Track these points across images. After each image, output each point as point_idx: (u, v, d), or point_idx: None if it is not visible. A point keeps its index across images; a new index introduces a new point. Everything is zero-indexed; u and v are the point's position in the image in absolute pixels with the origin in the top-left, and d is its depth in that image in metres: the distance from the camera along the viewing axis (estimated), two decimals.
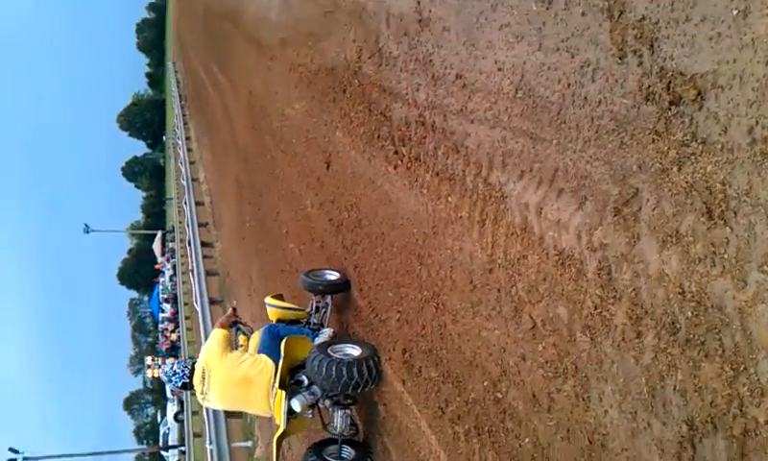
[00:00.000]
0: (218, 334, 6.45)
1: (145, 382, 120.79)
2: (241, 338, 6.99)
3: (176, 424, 34.86)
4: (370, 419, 6.62)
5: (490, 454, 4.49)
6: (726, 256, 2.70)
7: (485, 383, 4.57)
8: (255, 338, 6.74)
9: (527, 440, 4.09)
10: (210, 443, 13.25)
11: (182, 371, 6.42)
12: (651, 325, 3.09)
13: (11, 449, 33.89)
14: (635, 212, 3.19)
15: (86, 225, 63.34)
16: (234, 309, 7.03)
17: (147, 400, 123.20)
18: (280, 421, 5.98)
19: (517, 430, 4.19)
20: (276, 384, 6.00)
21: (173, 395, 37.82)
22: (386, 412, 6.19)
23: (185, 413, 23.92)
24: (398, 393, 5.91)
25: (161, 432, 40.93)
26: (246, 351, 6.65)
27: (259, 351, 6.38)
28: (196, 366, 6.37)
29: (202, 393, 6.26)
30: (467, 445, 4.79)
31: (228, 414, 14.06)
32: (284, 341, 6.17)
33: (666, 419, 3.02)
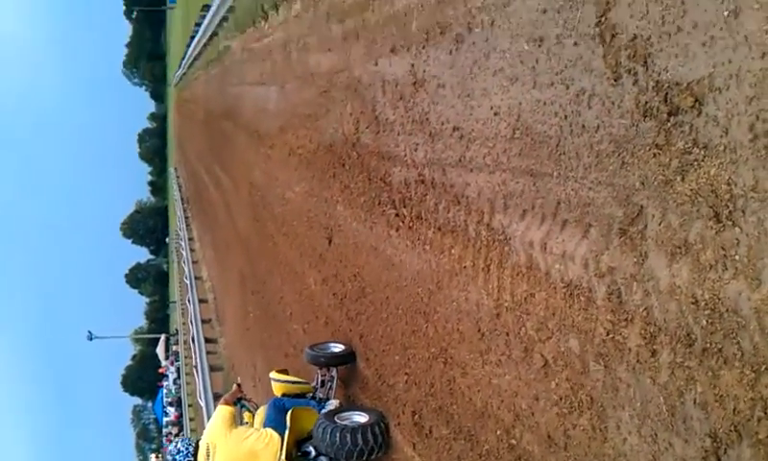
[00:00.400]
0: (222, 411, 6.32)
1: None
2: (246, 415, 6.86)
3: None
4: None
5: None
6: (737, 258, 2.65)
7: (498, 432, 4.42)
8: (261, 414, 6.63)
9: None
10: None
11: (186, 448, 6.23)
12: (665, 341, 3.00)
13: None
14: (641, 230, 3.16)
15: (90, 332, 63.06)
16: (239, 385, 6.90)
17: None
18: None
19: None
20: (283, 456, 5.84)
21: None
22: None
23: None
24: (409, 458, 5.72)
25: None
26: (251, 426, 6.50)
27: (265, 426, 6.26)
28: (200, 443, 6.19)
29: None
30: None
31: None
32: (290, 412, 6.06)
33: (688, 435, 2.90)
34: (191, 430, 27.87)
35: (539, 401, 4.00)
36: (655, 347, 3.07)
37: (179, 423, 39.96)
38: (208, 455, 6.02)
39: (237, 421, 6.49)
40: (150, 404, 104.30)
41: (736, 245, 2.66)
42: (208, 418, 17.21)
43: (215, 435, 6.10)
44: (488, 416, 4.56)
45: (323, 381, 7.19)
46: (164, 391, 49.09)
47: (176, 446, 6.35)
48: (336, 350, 7.32)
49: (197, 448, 6.19)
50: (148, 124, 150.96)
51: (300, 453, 6.12)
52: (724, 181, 2.70)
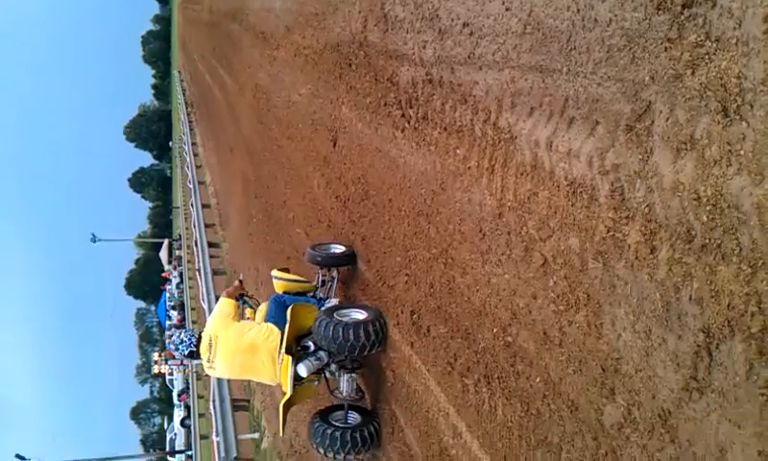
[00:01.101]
0: (224, 304, 6.43)
1: (152, 391, 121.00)
2: (248, 311, 6.97)
3: (182, 430, 34.73)
4: (377, 387, 6.55)
5: (500, 401, 4.41)
6: (742, 153, 2.63)
7: (494, 330, 4.49)
8: (262, 310, 6.74)
9: (538, 379, 4.00)
10: (217, 435, 13.15)
11: (189, 339, 6.38)
12: (665, 237, 3.01)
13: (17, 456, 33.87)
14: (647, 127, 3.12)
15: (93, 234, 63.48)
16: (241, 281, 6.98)
17: (154, 410, 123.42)
18: (287, 387, 5.94)
19: (528, 371, 4.11)
20: (283, 350, 5.96)
21: (179, 400, 37.76)
22: (394, 378, 6.12)
23: (192, 416, 23.82)
24: (407, 356, 5.84)
25: (168, 438, 40.82)
26: (253, 321, 6.62)
27: (266, 321, 6.36)
28: (203, 335, 6.33)
29: (208, 361, 6.23)
30: (476, 396, 4.71)
31: (235, 407, 13.99)
32: (290, 308, 6.15)
33: (682, 331, 2.94)
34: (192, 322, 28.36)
35: (536, 300, 4.04)
36: (654, 243, 3.08)
37: (181, 325, 40.72)
38: (211, 346, 6.16)
39: (239, 315, 6.59)
40: (153, 308, 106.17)
41: (742, 140, 2.63)
42: None
43: (217, 327, 6.23)
44: (485, 315, 4.62)
45: (323, 281, 7.29)
46: (167, 295, 49.77)
47: (179, 336, 6.49)
48: (337, 250, 7.40)
49: (199, 338, 6.33)
50: (152, 26, 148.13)
51: (299, 348, 6.24)
52: (734, 75, 2.65)
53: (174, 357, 32.31)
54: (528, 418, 4.11)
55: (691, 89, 2.85)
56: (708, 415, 2.84)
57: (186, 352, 6.42)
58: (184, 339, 6.43)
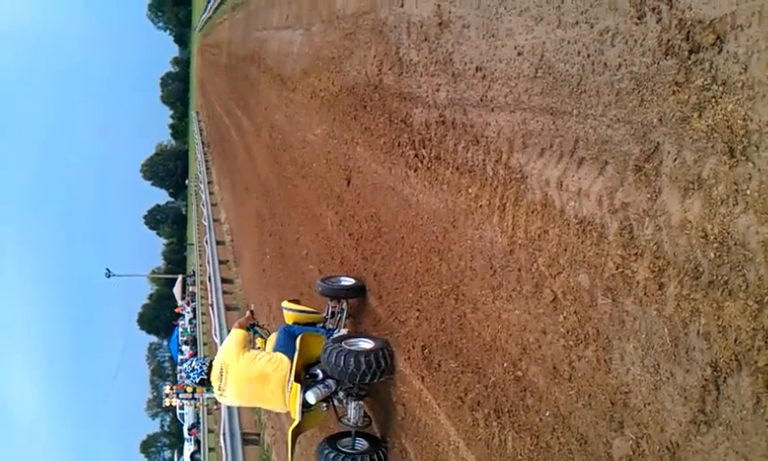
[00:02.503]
0: (236, 334, 6.57)
1: (162, 425, 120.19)
2: (258, 340, 7.09)
3: None
4: (388, 421, 6.59)
5: (509, 435, 4.45)
6: (748, 192, 2.71)
7: (505, 365, 4.54)
8: (272, 340, 6.86)
9: (548, 413, 4.05)
10: None
11: (200, 367, 6.53)
12: (673, 274, 3.08)
13: None
14: (656, 167, 3.22)
15: (108, 269, 63.82)
16: (252, 312, 7.14)
17: (164, 444, 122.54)
18: (296, 414, 6.05)
19: (538, 406, 4.15)
20: (292, 378, 6.07)
21: (189, 434, 37.59)
22: (405, 412, 6.16)
23: (202, 451, 23.74)
24: (418, 390, 5.88)
25: None
26: (263, 350, 6.74)
27: (275, 350, 6.49)
28: (214, 363, 6.49)
29: (219, 389, 6.37)
30: (486, 429, 4.75)
31: (245, 441, 13.96)
32: (300, 337, 6.30)
33: (690, 365, 3.00)
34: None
35: (546, 335, 4.10)
36: (662, 280, 3.15)
37: (182, 369, 40.61)
38: (221, 375, 6.30)
39: (249, 344, 6.72)
40: (165, 342, 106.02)
41: (748, 180, 2.72)
42: None
43: (228, 356, 6.37)
44: (495, 349, 4.68)
45: (333, 313, 7.44)
46: (179, 330, 49.81)
47: (190, 364, 6.65)
48: (346, 283, 7.55)
49: (210, 367, 6.47)
50: (171, 68, 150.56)
51: (308, 376, 6.40)
52: (740, 117, 2.75)
53: (185, 391, 32.31)
54: (538, 451, 4.15)
55: (698, 131, 2.95)
56: (715, 448, 2.88)
57: (197, 380, 6.55)
58: (195, 367, 6.58)
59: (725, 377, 2.82)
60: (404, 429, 6.18)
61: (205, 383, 6.54)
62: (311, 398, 6.08)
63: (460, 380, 5.15)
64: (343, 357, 5.86)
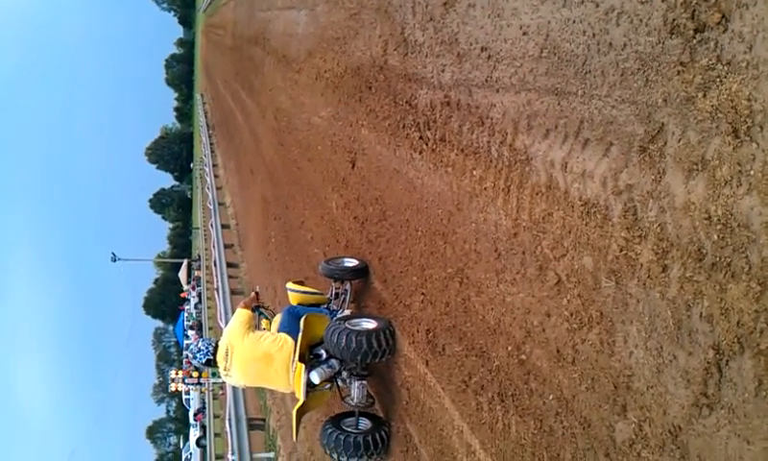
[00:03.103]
0: (241, 314, 6.62)
1: (168, 411, 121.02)
2: (263, 322, 7.13)
3: (198, 449, 34.75)
4: (392, 405, 6.60)
5: (513, 419, 4.45)
6: (752, 173, 2.69)
7: (509, 348, 4.54)
8: (276, 321, 6.90)
9: (551, 397, 4.04)
10: (233, 455, 13.20)
11: (207, 348, 6.64)
12: (677, 256, 3.07)
13: None
14: (660, 148, 3.19)
15: (114, 254, 64.03)
16: (257, 293, 7.15)
17: (170, 429, 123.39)
18: (300, 394, 6.10)
19: (541, 389, 4.15)
20: (296, 358, 6.11)
21: (195, 420, 37.83)
22: (409, 396, 6.17)
23: (208, 436, 23.87)
24: (422, 374, 5.89)
25: (183, 458, 40.91)
26: (268, 331, 6.79)
27: (279, 331, 6.54)
28: (220, 344, 6.57)
29: (225, 369, 6.47)
30: (490, 413, 4.75)
31: (251, 426, 14.03)
32: (304, 318, 6.34)
33: (692, 348, 2.99)
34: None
35: (550, 318, 4.09)
36: (666, 262, 3.14)
37: (188, 349, 40.67)
38: (227, 355, 6.38)
39: (254, 325, 6.77)
40: (171, 327, 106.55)
41: (752, 161, 2.69)
42: None
43: (233, 336, 6.45)
44: (500, 333, 4.68)
45: (336, 294, 7.47)
46: (185, 314, 50.02)
47: (196, 345, 6.74)
48: (349, 264, 7.59)
49: (216, 347, 6.54)
50: (175, 50, 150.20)
51: (312, 356, 6.46)
52: (745, 97, 2.72)
53: (191, 376, 32.60)
54: (541, 435, 4.15)
55: (703, 111, 2.92)
56: (717, 431, 2.87)
57: (204, 361, 6.64)
58: (201, 348, 6.69)
59: (727, 360, 2.81)
60: (408, 413, 6.19)
61: (212, 364, 6.65)
62: (315, 378, 6.15)
63: (464, 364, 5.15)
64: (345, 337, 5.92)
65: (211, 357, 6.62)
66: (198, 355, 6.68)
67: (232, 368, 6.41)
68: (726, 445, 2.83)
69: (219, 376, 6.82)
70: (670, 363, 3.12)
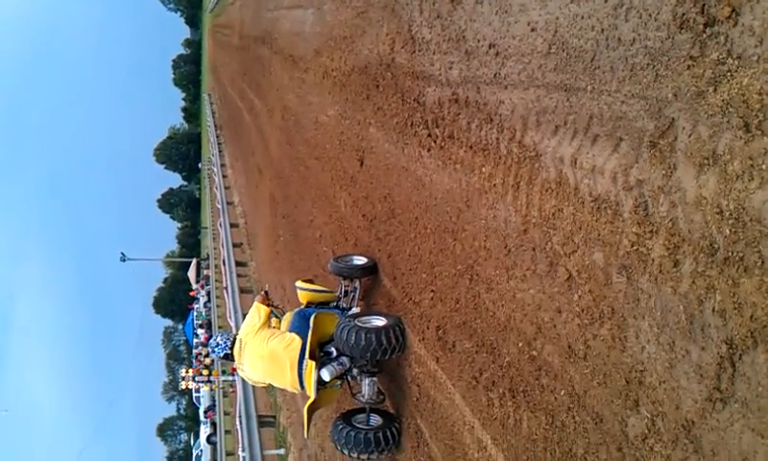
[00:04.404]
0: (257, 309, 6.79)
1: (179, 409, 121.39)
2: (273, 320, 7.16)
3: (208, 447, 34.89)
4: (403, 403, 6.61)
5: (525, 414, 4.45)
6: (764, 167, 2.68)
7: (519, 344, 4.54)
8: (287, 319, 6.95)
9: (563, 392, 4.04)
10: (243, 452, 13.25)
11: (225, 342, 6.83)
12: (688, 251, 3.06)
13: None
14: (671, 143, 3.19)
15: (123, 253, 64.17)
16: (266, 292, 7.18)
17: (180, 427, 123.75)
18: (311, 391, 6.15)
19: (553, 385, 4.15)
20: (307, 356, 6.15)
21: (206, 417, 37.93)
22: (419, 393, 6.18)
23: (218, 433, 23.94)
24: (432, 371, 5.90)
25: (194, 455, 41.02)
26: (278, 330, 6.84)
27: (290, 331, 6.57)
28: (237, 338, 6.68)
29: (239, 363, 6.62)
30: (501, 409, 4.75)
31: (261, 423, 14.08)
32: (314, 316, 6.39)
33: (705, 343, 2.98)
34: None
35: (561, 314, 4.09)
36: (678, 257, 3.13)
37: (208, 344, 40.82)
38: (240, 349, 6.49)
39: (268, 322, 6.87)
40: (180, 326, 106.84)
41: (764, 155, 2.69)
42: None
43: (247, 331, 6.63)
44: (510, 329, 4.68)
45: (346, 292, 7.50)
46: (194, 313, 50.11)
47: (215, 339, 6.91)
48: (359, 262, 7.62)
49: (234, 341, 6.66)
50: (182, 50, 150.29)
51: (322, 354, 6.53)
52: (756, 91, 2.71)
53: (201, 374, 32.90)
54: (553, 430, 4.15)
55: (713, 106, 2.92)
56: (731, 425, 2.87)
57: (222, 355, 6.79)
58: (220, 342, 6.89)
59: (740, 355, 2.81)
60: (419, 410, 6.21)
61: (230, 357, 6.81)
62: (326, 375, 6.22)
63: (474, 361, 5.15)
64: (355, 334, 5.96)
65: (229, 352, 6.77)
66: (216, 350, 6.90)
67: (244, 363, 6.55)
68: (739, 439, 2.83)
69: (230, 374, 6.95)
70: (683, 358, 3.12)
